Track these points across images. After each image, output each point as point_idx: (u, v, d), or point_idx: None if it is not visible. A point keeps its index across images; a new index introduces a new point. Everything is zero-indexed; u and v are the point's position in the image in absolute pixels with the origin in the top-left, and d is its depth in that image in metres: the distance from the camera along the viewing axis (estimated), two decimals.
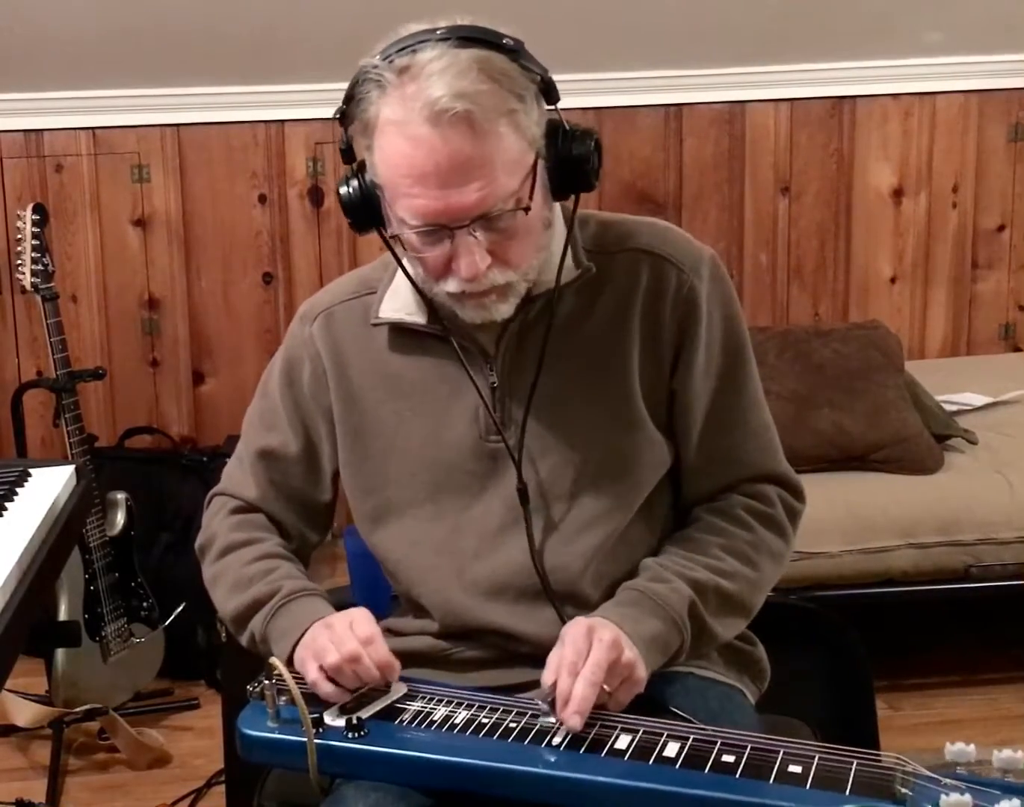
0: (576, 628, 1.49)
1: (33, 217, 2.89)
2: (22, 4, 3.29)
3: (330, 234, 3.74)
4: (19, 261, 2.88)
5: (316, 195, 3.72)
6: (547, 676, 1.45)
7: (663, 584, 1.58)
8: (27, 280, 2.86)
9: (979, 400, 3.37)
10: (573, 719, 1.41)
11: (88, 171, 3.61)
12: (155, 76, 3.52)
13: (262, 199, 3.70)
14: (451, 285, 1.52)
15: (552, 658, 1.47)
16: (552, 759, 1.40)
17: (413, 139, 1.43)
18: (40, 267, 2.86)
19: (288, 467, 1.72)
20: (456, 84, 1.41)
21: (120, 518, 2.97)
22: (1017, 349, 4.07)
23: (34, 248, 2.86)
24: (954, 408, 3.30)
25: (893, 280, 3.98)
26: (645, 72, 3.71)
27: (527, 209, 1.47)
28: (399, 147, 1.45)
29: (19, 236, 2.89)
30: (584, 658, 1.44)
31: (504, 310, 1.55)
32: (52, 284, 2.88)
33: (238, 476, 1.76)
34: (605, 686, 1.44)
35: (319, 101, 3.55)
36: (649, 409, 1.62)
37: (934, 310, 4.02)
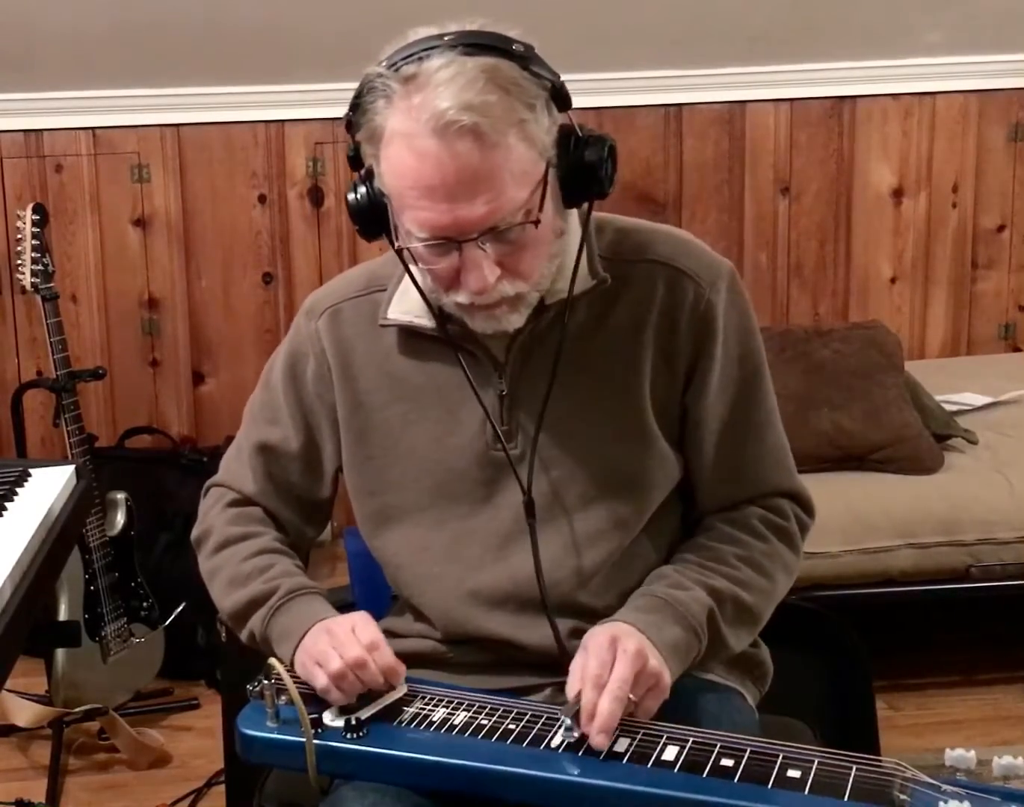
0: (599, 638, 1.46)
1: (33, 217, 2.88)
2: (22, 4, 3.28)
3: (330, 234, 3.74)
4: (19, 261, 2.88)
5: (316, 195, 3.71)
6: (571, 688, 1.43)
7: (684, 591, 1.56)
8: (27, 280, 2.86)
9: (979, 400, 3.37)
10: (599, 738, 1.38)
11: (88, 171, 3.61)
12: (155, 76, 3.52)
13: (262, 199, 3.70)
14: (460, 297, 1.49)
15: (575, 668, 1.45)
16: (550, 762, 1.39)
17: (419, 152, 1.40)
18: (40, 267, 2.86)
19: (288, 463, 1.71)
20: (463, 96, 1.38)
21: (120, 518, 2.97)
22: (1017, 349, 4.07)
23: (34, 248, 2.86)
24: (954, 408, 3.29)
25: (893, 280, 3.98)
26: (645, 72, 3.71)
27: (537, 222, 1.45)
28: (405, 160, 1.42)
29: (19, 236, 2.89)
30: (608, 670, 1.42)
31: (515, 320, 1.52)
32: (52, 284, 2.88)
33: (236, 468, 1.74)
34: (631, 696, 1.41)
35: (319, 101, 3.56)
36: (660, 423, 1.60)
37: (934, 310, 4.02)
